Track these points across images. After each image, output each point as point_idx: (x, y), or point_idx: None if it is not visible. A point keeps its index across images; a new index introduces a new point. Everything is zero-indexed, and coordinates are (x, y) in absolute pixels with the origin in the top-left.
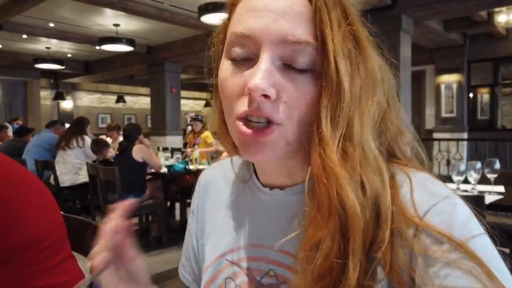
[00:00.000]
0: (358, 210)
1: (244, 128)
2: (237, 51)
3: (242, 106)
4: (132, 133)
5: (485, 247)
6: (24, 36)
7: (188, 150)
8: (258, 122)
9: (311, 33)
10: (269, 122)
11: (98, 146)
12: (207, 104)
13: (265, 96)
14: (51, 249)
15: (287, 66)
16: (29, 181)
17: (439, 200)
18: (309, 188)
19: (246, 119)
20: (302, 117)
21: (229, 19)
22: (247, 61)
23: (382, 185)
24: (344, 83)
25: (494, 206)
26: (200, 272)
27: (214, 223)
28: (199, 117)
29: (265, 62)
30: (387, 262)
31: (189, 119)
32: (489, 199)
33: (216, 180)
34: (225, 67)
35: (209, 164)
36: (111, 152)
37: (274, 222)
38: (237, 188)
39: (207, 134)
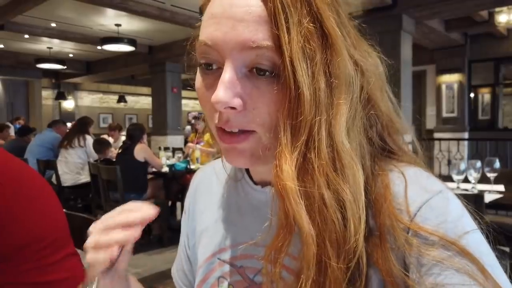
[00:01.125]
0: (306, 226)
1: (221, 136)
2: (204, 60)
3: (215, 118)
4: (135, 133)
5: (478, 243)
6: (26, 36)
7: (189, 144)
8: (232, 131)
9: (270, 36)
10: (242, 131)
11: (100, 145)
12: None
13: (231, 107)
14: (53, 246)
15: (252, 73)
16: (32, 179)
17: (432, 195)
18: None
19: (221, 128)
20: (274, 122)
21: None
22: (215, 70)
23: (353, 192)
24: (302, 87)
25: (494, 205)
26: (192, 277)
27: (206, 222)
28: (201, 116)
29: (227, 73)
30: (381, 268)
31: (191, 118)
32: (488, 198)
33: (209, 180)
34: (198, 76)
35: None
36: (113, 152)
37: (266, 219)
38: (230, 187)
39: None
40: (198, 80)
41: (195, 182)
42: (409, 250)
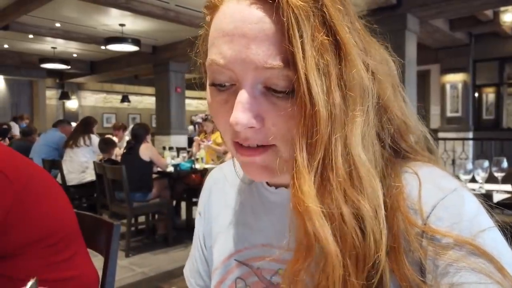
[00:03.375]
0: (332, 247)
1: (239, 150)
2: (218, 78)
3: (232, 134)
4: (140, 133)
5: (495, 241)
6: (30, 36)
7: (198, 138)
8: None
9: (284, 54)
10: (261, 145)
11: (106, 145)
12: None
13: (250, 127)
14: (61, 244)
15: (269, 89)
16: (41, 176)
17: (447, 193)
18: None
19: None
20: (291, 137)
21: (208, 28)
22: (229, 87)
23: (374, 204)
24: (318, 104)
25: (502, 204)
26: (208, 277)
27: (222, 224)
28: (209, 117)
29: (243, 93)
30: (395, 270)
31: (198, 119)
32: (496, 197)
33: (223, 181)
34: (209, 92)
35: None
36: (118, 152)
37: (281, 221)
38: (243, 189)
39: (217, 134)
40: (210, 96)
41: (208, 184)
42: (423, 254)
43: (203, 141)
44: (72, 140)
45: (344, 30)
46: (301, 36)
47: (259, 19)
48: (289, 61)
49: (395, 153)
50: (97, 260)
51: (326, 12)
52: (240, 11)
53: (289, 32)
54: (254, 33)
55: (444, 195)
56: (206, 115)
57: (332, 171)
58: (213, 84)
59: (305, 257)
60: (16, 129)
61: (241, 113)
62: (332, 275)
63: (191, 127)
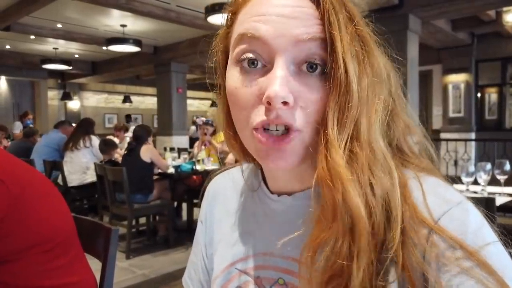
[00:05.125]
0: (363, 213)
1: (263, 138)
2: (248, 56)
3: (258, 116)
4: (141, 134)
5: (499, 255)
6: (32, 37)
7: (199, 134)
8: (277, 130)
9: (323, 31)
10: (287, 129)
11: (107, 146)
12: (213, 104)
13: (284, 103)
14: (59, 249)
15: (301, 70)
16: (38, 182)
17: (452, 206)
18: (316, 191)
19: (263, 128)
20: (318, 120)
21: (230, 26)
22: (259, 68)
23: (391, 185)
24: (352, 84)
25: (504, 208)
26: (207, 285)
27: (223, 232)
28: (210, 121)
29: (281, 68)
30: (400, 262)
31: (199, 122)
32: (499, 200)
33: (225, 189)
34: (234, 75)
35: (219, 165)
36: (118, 153)
37: (283, 229)
38: (246, 197)
39: (219, 136)
40: (234, 79)
41: (210, 192)
42: (429, 251)
43: (205, 144)
44: (71, 142)
45: (366, 29)
46: (338, 22)
47: (297, 3)
48: (326, 43)
49: (399, 156)
50: (95, 264)
51: (351, 10)
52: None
53: (328, 15)
54: (293, 13)
55: (449, 207)
56: (207, 119)
57: (360, 148)
58: (240, 61)
59: (331, 222)
60: (18, 128)
61: (279, 86)
62: (359, 243)
63: (193, 127)
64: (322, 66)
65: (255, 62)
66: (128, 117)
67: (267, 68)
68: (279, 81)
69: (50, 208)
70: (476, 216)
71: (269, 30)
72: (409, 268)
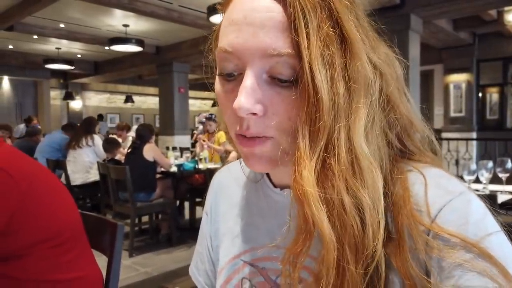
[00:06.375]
0: (327, 231)
1: (241, 141)
2: (225, 67)
3: (236, 125)
4: (145, 133)
5: (501, 245)
6: (35, 36)
7: (201, 136)
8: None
9: (290, 43)
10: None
11: (110, 145)
12: (214, 104)
13: (253, 113)
14: (67, 244)
15: (273, 79)
16: (45, 177)
17: (453, 197)
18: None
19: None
20: (294, 127)
21: (220, 26)
22: (237, 77)
23: (374, 196)
24: (321, 92)
25: (506, 205)
26: (214, 278)
27: (228, 224)
28: (213, 116)
29: (248, 79)
30: (399, 268)
31: (202, 119)
32: (501, 198)
33: (229, 182)
34: (218, 82)
35: (221, 164)
36: (121, 152)
37: (287, 222)
38: (250, 189)
39: (221, 133)
40: (218, 86)
41: (215, 184)
42: (429, 252)
43: (205, 141)
44: (74, 141)
45: (350, 24)
46: (306, 26)
47: (267, 8)
48: (295, 50)
49: (401, 152)
50: (101, 260)
51: (333, 6)
52: (250, 1)
53: (295, 22)
54: (262, 21)
55: (451, 198)
56: (210, 114)
57: (334, 159)
58: (221, 74)
59: (304, 240)
60: (19, 132)
61: (244, 97)
62: (327, 259)
63: (201, 127)
64: (292, 77)
65: (231, 70)
66: (100, 117)
67: (242, 76)
68: (245, 93)
69: (58, 202)
70: (478, 207)
71: (238, 41)
72: (408, 276)
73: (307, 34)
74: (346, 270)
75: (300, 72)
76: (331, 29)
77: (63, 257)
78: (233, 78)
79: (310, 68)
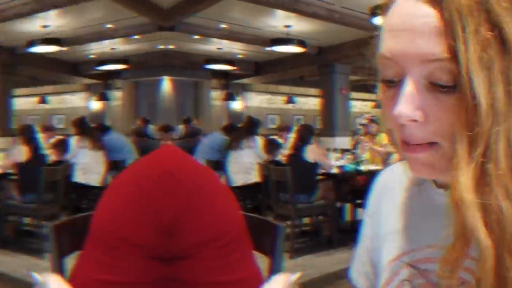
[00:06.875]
0: (484, 240)
1: (404, 147)
2: (385, 73)
3: (398, 131)
4: (306, 134)
5: None
6: (196, 37)
7: (363, 139)
8: None
9: (447, 48)
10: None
11: (271, 146)
12: (378, 106)
13: (413, 120)
14: (233, 244)
15: (432, 84)
16: (210, 176)
17: None
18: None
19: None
20: (453, 133)
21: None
22: (397, 83)
23: None
24: (479, 98)
25: None
26: (374, 278)
27: (389, 225)
28: (375, 118)
29: (408, 85)
30: None
31: (364, 121)
32: None
33: (392, 184)
34: (379, 88)
35: (383, 166)
36: (281, 154)
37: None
38: (412, 191)
39: (383, 135)
40: (379, 92)
41: (378, 186)
42: None
43: (367, 142)
44: (235, 142)
45: (509, 26)
46: (463, 31)
47: (425, 14)
48: (453, 55)
49: None
50: (260, 262)
51: (491, 8)
52: (408, 7)
53: (451, 26)
54: (420, 27)
55: None
56: (372, 116)
57: (492, 165)
58: (382, 80)
59: (461, 246)
60: (180, 131)
61: (404, 105)
62: (485, 266)
63: (362, 129)
64: (452, 82)
65: (391, 77)
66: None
67: (402, 83)
68: (404, 100)
69: (224, 201)
70: None
71: (397, 47)
72: None
73: (464, 38)
74: (506, 278)
75: (458, 77)
76: (489, 32)
77: (230, 257)
78: (394, 85)
79: (468, 73)
